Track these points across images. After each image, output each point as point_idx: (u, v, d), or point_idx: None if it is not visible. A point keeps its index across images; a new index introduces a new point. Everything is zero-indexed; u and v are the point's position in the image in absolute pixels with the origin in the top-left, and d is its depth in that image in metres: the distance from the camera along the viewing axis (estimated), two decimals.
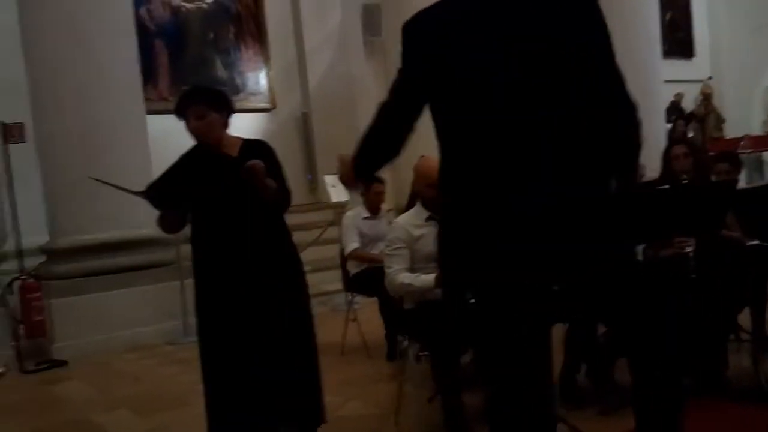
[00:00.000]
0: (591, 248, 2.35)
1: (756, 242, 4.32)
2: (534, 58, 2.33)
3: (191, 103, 3.71)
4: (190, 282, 7.67)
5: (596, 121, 2.36)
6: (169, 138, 9.02)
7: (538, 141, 2.31)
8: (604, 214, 2.38)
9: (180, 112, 3.74)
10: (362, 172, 2.87)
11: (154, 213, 3.90)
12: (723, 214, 4.27)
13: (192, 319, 7.52)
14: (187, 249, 7.78)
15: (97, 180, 4.13)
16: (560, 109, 2.32)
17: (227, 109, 3.81)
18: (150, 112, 8.56)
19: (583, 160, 2.34)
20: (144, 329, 7.57)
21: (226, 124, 3.80)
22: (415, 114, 2.62)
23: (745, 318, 4.77)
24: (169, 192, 3.77)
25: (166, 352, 7.26)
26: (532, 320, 2.45)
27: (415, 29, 2.55)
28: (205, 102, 3.71)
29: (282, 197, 3.72)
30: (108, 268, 7.62)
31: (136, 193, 3.78)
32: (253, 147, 3.78)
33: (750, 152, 12.80)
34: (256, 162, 3.52)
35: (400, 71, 2.61)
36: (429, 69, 2.48)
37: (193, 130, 3.73)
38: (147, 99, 8.83)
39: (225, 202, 3.69)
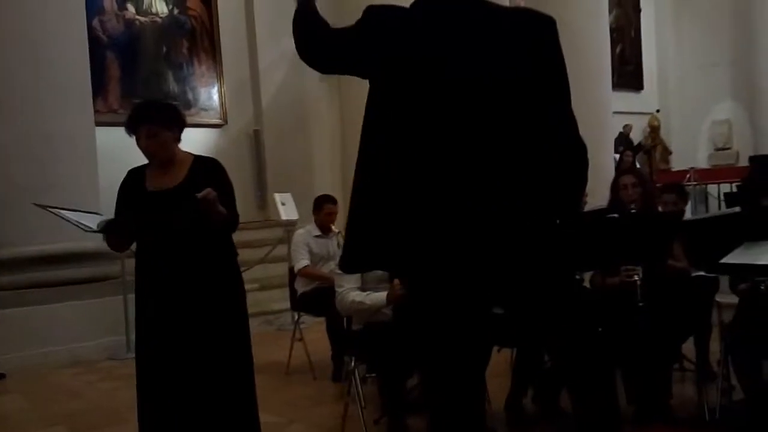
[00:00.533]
0: (524, 271, 2.36)
1: (701, 273, 4.37)
2: (486, 90, 2.36)
3: (144, 121, 3.65)
4: (133, 297, 7.63)
5: (544, 157, 2.39)
6: (118, 150, 8.96)
7: (478, 164, 2.32)
8: (541, 241, 2.38)
9: (131, 128, 3.68)
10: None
11: None
12: (669, 244, 4.33)
13: (133, 335, 7.47)
14: (131, 264, 7.74)
15: (44, 207, 4.01)
16: (504, 139, 2.34)
17: (179, 125, 3.76)
18: (99, 123, 8.47)
19: (523, 185, 2.35)
20: (85, 344, 7.43)
21: (177, 140, 3.74)
22: (352, 56, 2.57)
23: (689, 347, 4.83)
24: (120, 225, 3.70)
25: (107, 367, 7.13)
26: (472, 340, 2.46)
27: (380, 15, 2.54)
28: (158, 122, 3.65)
29: (230, 221, 3.65)
30: (51, 280, 7.48)
31: (87, 229, 3.72)
32: (205, 165, 3.72)
33: (696, 184, 13.04)
34: (209, 192, 3.47)
35: (352, 29, 2.55)
36: (379, 56, 2.48)
37: (144, 148, 3.67)
38: (96, 111, 8.75)
39: (170, 227, 3.64)
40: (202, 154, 3.87)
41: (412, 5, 2.54)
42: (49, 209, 3.88)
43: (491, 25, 2.44)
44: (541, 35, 2.45)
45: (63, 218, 3.80)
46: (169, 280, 3.65)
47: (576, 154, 2.47)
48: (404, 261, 2.40)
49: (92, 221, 3.77)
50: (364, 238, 2.45)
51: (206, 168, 3.70)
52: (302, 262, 6.31)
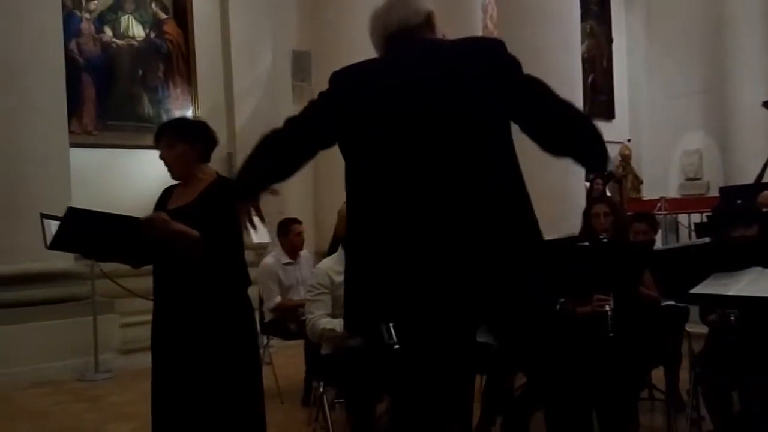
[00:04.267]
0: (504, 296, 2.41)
1: (671, 302, 4.41)
2: (451, 126, 2.45)
3: (164, 132, 3.65)
4: (103, 317, 7.61)
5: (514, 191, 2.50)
6: (92, 172, 9.00)
7: (451, 200, 2.41)
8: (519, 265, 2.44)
9: (156, 140, 3.66)
10: (247, 190, 2.78)
11: None
12: (640, 273, 4.36)
13: (102, 356, 7.42)
14: (102, 284, 7.69)
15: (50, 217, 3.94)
16: (469, 172, 2.44)
17: (203, 141, 3.70)
18: (74, 145, 8.43)
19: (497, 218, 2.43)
20: (53, 364, 7.37)
21: (199, 157, 3.68)
22: (317, 138, 2.67)
23: (659, 377, 4.86)
24: (69, 243, 3.64)
25: (75, 388, 7.06)
26: (452, 370, 2.48)
27: (339, 79, 2.67)
28: (176, 132, 3.63)
29: (207, 246, 3.49)
30: (20, 300, 7.42)
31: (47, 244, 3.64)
32: (218, 187, 3.62)
33: (666, 214, 13.14)
34: (156, 216, 3.44)
35: (314, 102, 2.69)
36: (341, 116, 2.59)
37: (162, 159, 3.64)
38: (71, 132, 8.71)
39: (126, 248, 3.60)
40: (227, 177, 3.79)
41: (377, 57, 2.70)
42: (45, 219, 3.84)
43: (446, 62, 2.55)
44: (495, 59, 2.56)
45: (44, 229, 3.77)
46: (173, 304, 3.59)
47: (584, 120, 2.69)
48: (401, 309, 2.45)
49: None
50: (362, 300, 2.54)
51: (219, 189, 3.61)
52: (274, 300, 6.24)
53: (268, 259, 6.52)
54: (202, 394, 3.50)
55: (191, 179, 3.65)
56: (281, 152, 2.68)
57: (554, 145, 2.62)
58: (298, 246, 6.43)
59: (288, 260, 6.39)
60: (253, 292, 7.79)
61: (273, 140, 2.70)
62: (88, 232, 3.47)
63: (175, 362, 3.56)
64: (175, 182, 3.73)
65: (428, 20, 2.74)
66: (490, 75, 2.51)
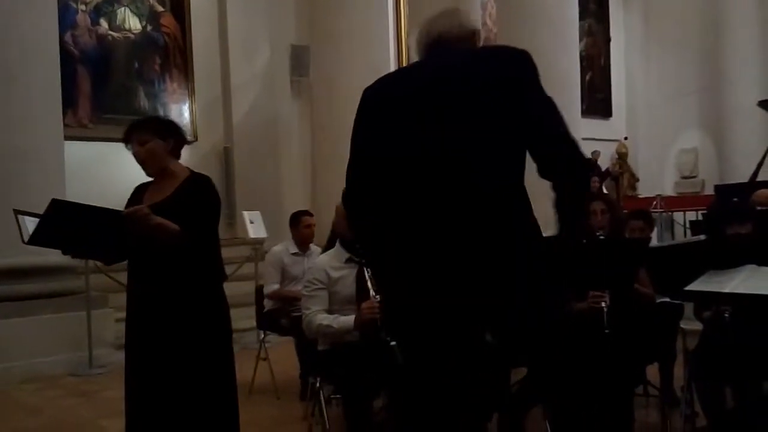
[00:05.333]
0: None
1: (666, 299, 4.41)
2: (470, 139, 2.50)
3: (135, 129, 3.65)
4: (97, 312, 7.59)
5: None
6: (87, 165, 8.97)
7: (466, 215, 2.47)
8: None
9: (126, 138, 3.67)
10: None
11: None
12: (636, 270, 4.37)
13: (96, 351, 7.39)
14: (96, 279, 7.67)
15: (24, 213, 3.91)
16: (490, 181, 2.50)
17: (175, 137, 3.72)
18: (69, 138, 8.40)
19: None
20: (47, 359, 7.31)
21: (172, 153, 3.71)
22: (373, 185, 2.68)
23: (653, 373, 4.86)
24: (48, 237, 3.59)
25: (68, 383, 7.02)
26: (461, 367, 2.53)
27: (366, 98, 2.73)
28: (150, 129, 3.64)
29: (184, 239, 3.51)
30: (14, 294, 7.36)
31: (24, 239, 3.60)
32: (194, 182, 3.67)
33: (662, 212, 13.15)
34: (137, 209, 3.43)
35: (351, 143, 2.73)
36: (370, 137, 2.66)
37: (134, 156, 3.65)
38: (66, 125, 8.68)
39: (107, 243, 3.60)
40: (199, 172, 3.83)
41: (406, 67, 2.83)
42: (20, 215, 3.79)
43: (468, 69, 2.59)
44: (517, 73, 2.57)
45: (20, 225, 3.72)
46: (149, 299, 3.60)
47: (575, 170, 2.63)
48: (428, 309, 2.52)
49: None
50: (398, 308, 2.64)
51: (195, 185, 3.66)
52: (272, 286, 6.24)
53: (277, 247, 6.56)
54: (176, 390, 3.52)
55: (165, 175, 3.68)
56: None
57: (540, 169, 2.62)
58: (308, 238, 6.41)
59: (296, 250, 6.38)
60: (249, 287, 7.81)
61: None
62: (70, 225, 3.45)
63: (149, 357, 3.57)
64: (147, 180, 3.75)
65: (471, 37, 2.77)
66: (509, 88, 2.54)
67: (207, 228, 3.63)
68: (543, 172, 2.59)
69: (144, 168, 3.68)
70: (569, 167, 2.61)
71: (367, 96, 2.72)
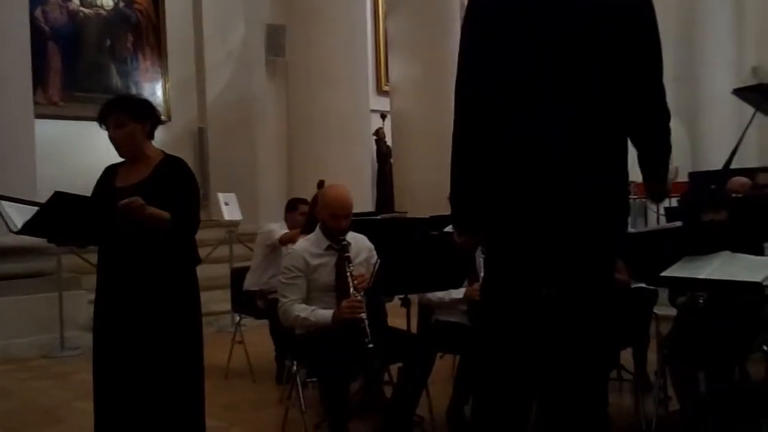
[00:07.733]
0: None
1: (641, 285, 4.44)
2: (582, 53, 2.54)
3: (111, 111, 3.59)
4: (69, 293, 7.51)
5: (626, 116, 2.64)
6: (57, 143, 8.87)
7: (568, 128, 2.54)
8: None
9: (101, 119, 3.61)
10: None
11: None
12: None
13: (69, 333, 7.33)
14: (68, 260, 7.59)
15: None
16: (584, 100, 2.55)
17: (150, 119, 3.68)
18: (39, 116, 8.30)
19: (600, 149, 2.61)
20: (18, 341, 7.24)
21: (148, 135, 3.67)
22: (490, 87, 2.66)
23: (627, 358, 4.90)
24: (43, 226, 3.47)
25: (40, 365, 6.96)
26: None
27: (475, 7, 2.72)
28: (127, 112, 3.58)
29: (181, 225, 3.53)
30: None
31: (12, 228, 3.51)
32: (171, 164, 3.65)
33: (636, 198, 13.23)
34: (133, 200, 3.39)
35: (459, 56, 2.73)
36: (482, 45, 2.65)
37: (111, 139, 3.60)
38: (36, 103, 8.57)
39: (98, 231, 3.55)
40: (172, 154, 3.78)
41: None
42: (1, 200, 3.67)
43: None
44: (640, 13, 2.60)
45: (2, 212, 3.62)
46: (121, 282, 3.57)
47: (660, 121, 2.70)
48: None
49: (27, 215, 3.55)
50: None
51: (171, 167, 3.63)
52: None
53: (271, 225, 6.56)
54: (144, 372, 3.51)
55: (140, 157, 3.64)
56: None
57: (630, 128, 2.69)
58: (299, 225, 6.41)
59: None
60: (224, 269, 7.75)
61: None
62: (65, 216, 3.40)
63: (118, 339, 3.54)
64: (118, 160, 3.71)
65: None
66: (628, 28, 2.56)
67: (196, 214, 3.62)
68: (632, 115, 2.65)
69: (118, 150, 3.64)
70: (659, 112, 2.67)
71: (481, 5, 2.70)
